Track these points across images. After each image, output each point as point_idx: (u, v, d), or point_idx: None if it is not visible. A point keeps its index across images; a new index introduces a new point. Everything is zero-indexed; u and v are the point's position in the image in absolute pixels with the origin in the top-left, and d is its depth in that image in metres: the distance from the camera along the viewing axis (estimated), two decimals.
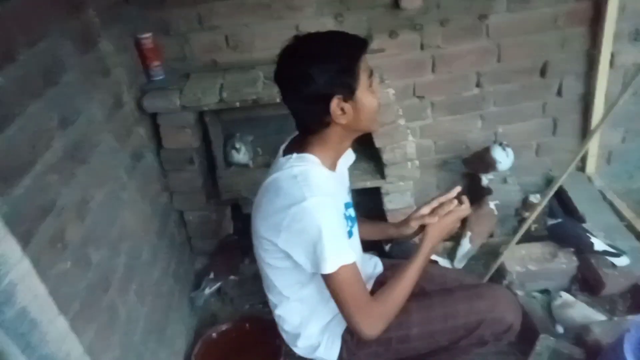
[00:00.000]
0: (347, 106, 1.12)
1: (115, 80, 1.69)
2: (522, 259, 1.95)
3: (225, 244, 2.10)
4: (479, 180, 2.27)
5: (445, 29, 2.07)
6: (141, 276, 1.60)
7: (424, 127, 2.31)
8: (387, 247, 2.05)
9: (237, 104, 1.84)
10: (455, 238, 2.17)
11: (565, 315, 1.74)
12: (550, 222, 1.98)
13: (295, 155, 1.19)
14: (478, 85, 2.23)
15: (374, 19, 2.02)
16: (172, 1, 1.93)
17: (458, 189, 1.37)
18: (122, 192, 1.59)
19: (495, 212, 2.14)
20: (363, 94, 1.13)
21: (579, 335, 1.60)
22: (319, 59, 1.10)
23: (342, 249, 1.11)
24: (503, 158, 2.14)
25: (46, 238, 1.13)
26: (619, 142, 2.47)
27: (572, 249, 1.94)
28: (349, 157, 1.42)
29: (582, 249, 1.89)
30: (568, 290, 1.91)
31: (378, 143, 1.97)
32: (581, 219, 2.14)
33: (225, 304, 2.07)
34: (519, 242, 1.93)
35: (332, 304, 1.18)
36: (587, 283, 1.92)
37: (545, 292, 1.93)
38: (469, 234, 2.12)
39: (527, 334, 1.67)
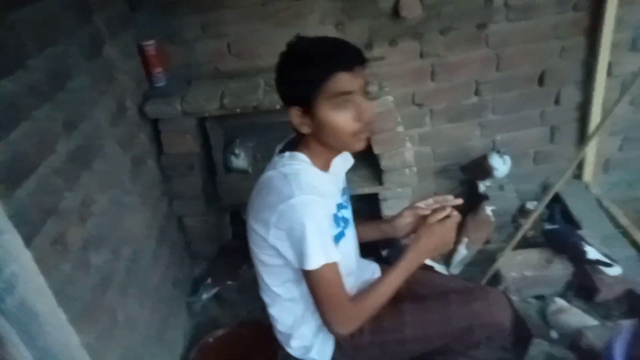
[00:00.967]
0: (306, 119, 1.15)
1: (120, 86, 1.72)
2: (518, 265, 1.97)
3: (224, 249, 2.12)
4: (477, 187, 2.30)
5: (445, 38, 2.10)
6: (141, 280, 1.63)
7: (423, 135, 2.34)
8: (384, 252, 2.06)
9: (238, 110, 1.87)
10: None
11: (560, 320, 1.76)
12: (548, 227, 2.00)
13: (288, 154, 1.22)
14: (477, 93, 2.25)
15: (374, 27, 2.05)
16: (178, 9, 1.96)
17: (459, 201, 1.37)
18: (125, 196, 1.61)
19: (492, 219, 2.16)
20: (323, 110, 1.11)
21: (572, 340, 1.62)
22: (288, 65, 1.13)
23: (326, 247, 1.13)
24: (500, 165, 2.16)
25: (48, 240, 1.15)
26: (617, 150, 2.49)
27: (567, 255, 1.96)
28: (347, 160, 1.44)
29: (576, 256, 1.91)
30: (563, 296, 1.92)
31: (376, 150, 1.99)
32: (578, 226, 2.16)
33: (223, 309, 2.09)
34: (515, 249, 1.95)
35: None
36: (582, 289, 1.94)
37: (540, 297, 1.95)
38: (465, 240, 2.14)
39: (523, 339, 1.69)
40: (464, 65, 2.17)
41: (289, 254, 1.16)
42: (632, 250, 2.04)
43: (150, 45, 1.92)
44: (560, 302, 1.81)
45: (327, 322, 1.21)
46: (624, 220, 2.20)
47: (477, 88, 2.24)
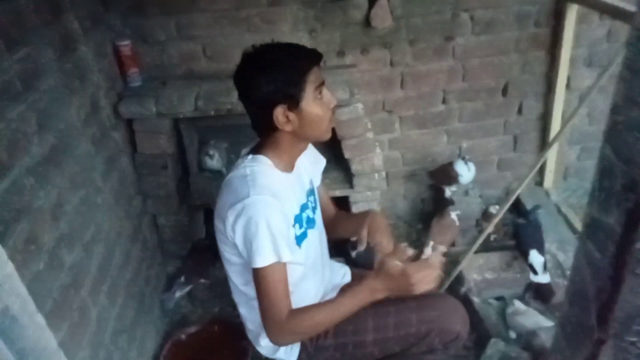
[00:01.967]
0: (291, 115, 1.20)
1: (93, 86, 1.73)
2: (479, 268, 2.06)
3: (196, 247, 2.15)
4: (443, 192, 2.39)
5: (414, 49, 2.18)
6: (113, 278, 1.65)
7: (392, 140, 2.42)
8: (353, 254, 2.13)
9: (212, 113, 1.90)
10: (418, 246, 2.27)
11: (517, 321, 1.85)
12: (518, 221, 2.10)
13: (250, 156, 1.27)
14: (444, 102, 2.34)
15: (346, 35, 2.11)
16: (151, 10, 1.98)
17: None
18: (97, 195, 1.63)
19: (457, 223, 2.25)
20: (309, 105, 1.20)
21: (527, 340, 1.71)
22: (268, 68, 1.18)
23: (277, 246, 1.16)
24: (465, 172, 2.26)
25: (21, 239, 1.17)
26: (575, 159, 2.63)
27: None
28: (319, 161, 1.49)
29: (523, 254, 2.01)
30: (522, 298, 2.01)
31: (347, 154, 2.05)
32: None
33: (195, 306, 2.12)
34: (477, 252, 2.04)
35: None
36: (539, 291, 2.04)
37: (501, 299, 2.04)
38: (431, 243, 2.22)
39: (482, 339, 1.78)
40: (432, 75, 2.25)
41: (244, 252, 1.20)
42: None
43: (125, 45, 1.93)
44: (518, 304, 1.90)
45: (263, 326, 1.23)
46: (580, 226, 2.32)
47: (444, 97, 2.33)
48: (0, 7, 1.23)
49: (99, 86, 1.78)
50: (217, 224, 1.27)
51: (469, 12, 2.14)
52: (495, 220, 1.97)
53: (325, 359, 1.39)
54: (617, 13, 1.83)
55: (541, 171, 2.55)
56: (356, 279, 1.60)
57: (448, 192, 2.37)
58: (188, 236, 2.19)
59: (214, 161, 2.14)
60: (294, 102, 1.19)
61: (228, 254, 1.29)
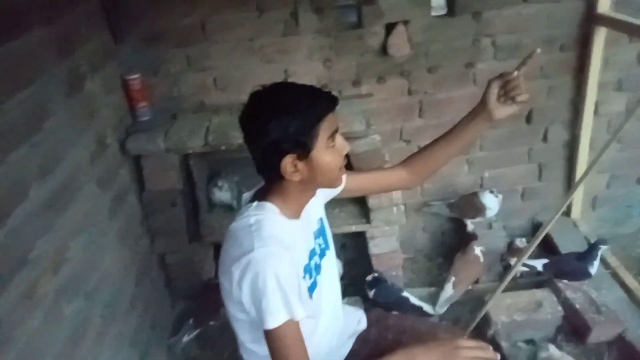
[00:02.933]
0: (300, 164, 1.09)
1: (101, 122, 1.67)
2: (507, 309, 1.93)
3: (206, 287, 2.05)
4: (464, 224, 2.27)
5: (433, 76, 2.09)
6: (117, 326, 1.56)
7: None
8: (371, 293, 2.02)
9: (223, 147, 1.83)
10: (439, 282, 2.15)
11: None
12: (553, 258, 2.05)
13: (255, 203, 1.17)
14: None
15: (362, 64, 2.04)
16: (163, 42, 1.93)
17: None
18: (102, 238, 1.55)
19: (482, 259, 2.12)
20: (320, 153, 1.09)
21: None
22: (279, 114, 1.06)
23: (289, 303, 1.05)
24: (493, 204, 2.14)
25: (18, 292, 1.10)
26: (604, 187, 2.49)
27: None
28: (332, 192, 1.38)
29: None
30: (554, 340, 1.89)
31: None
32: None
33: (204, 349, 2.02)
34: (505, 290, 1.91)
35: None
36: (573, 331, 1.91)
37: (530, 342, 1.91)
38: (452, 278, 2.10)
39: None
40: (452, 103, 2.16)
41: (252, 311, 1.09)
42: (621, 292, 2.02)
43: (135, 79, 1.88)
44: (553, 349, 1.77)
45: None
46: (612, 261, 2.18)
47: None
48: (5, 47, 1.17)
49: (107, 121, 1.72)
50: (223, 281, 1.17)
51: (490, 37, 2.06)
52: (524, 257, 1.84)
53: None
54: None
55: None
56: (373, 324, 1.47)
57: (470, 225, 2.25)
58: (197, 275, 2.09)
59: (223, 193, 2.06)
60: (304, 152, 1.08)
61: (233, 310, 1.18)
